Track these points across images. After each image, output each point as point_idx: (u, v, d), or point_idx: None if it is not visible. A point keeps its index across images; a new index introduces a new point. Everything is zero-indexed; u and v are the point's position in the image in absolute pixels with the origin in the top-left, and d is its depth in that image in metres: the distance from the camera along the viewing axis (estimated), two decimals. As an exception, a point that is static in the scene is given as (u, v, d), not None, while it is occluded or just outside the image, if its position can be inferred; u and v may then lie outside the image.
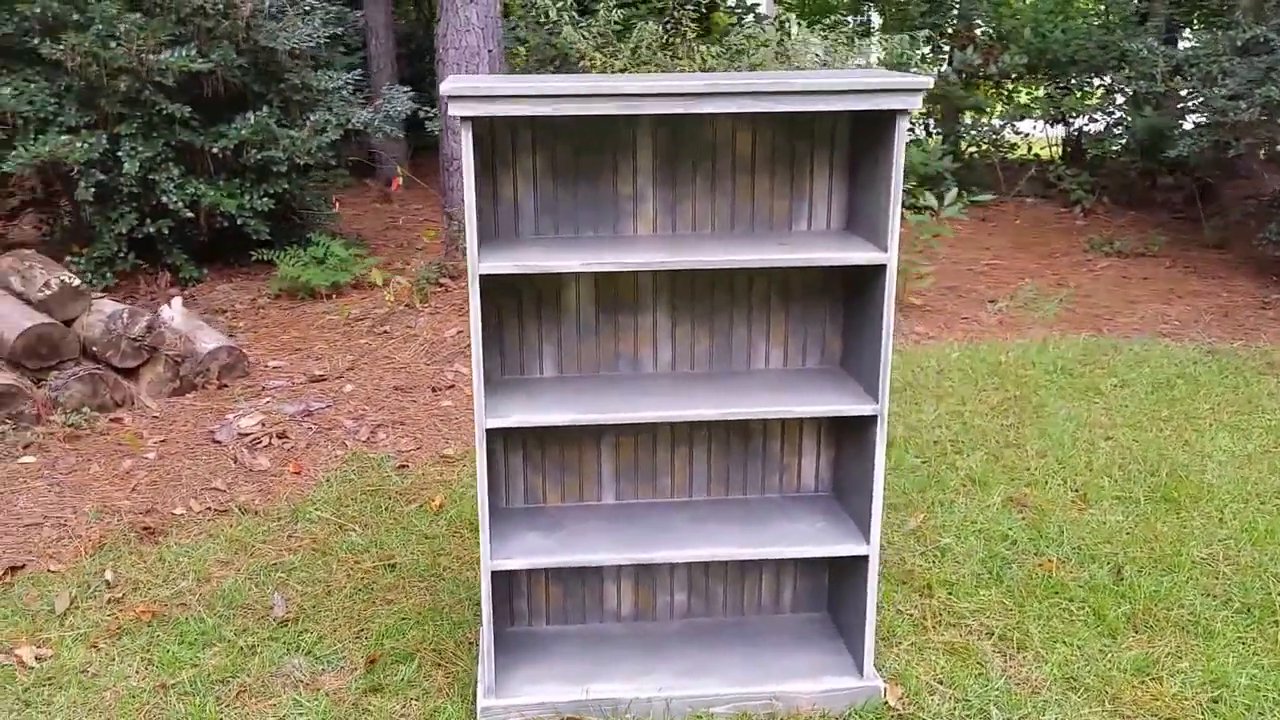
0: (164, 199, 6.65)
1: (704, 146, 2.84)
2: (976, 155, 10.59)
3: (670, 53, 6.23)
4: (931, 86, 2.50)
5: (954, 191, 6.53)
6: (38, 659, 3.09)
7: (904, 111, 2.52)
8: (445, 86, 2.44)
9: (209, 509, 4.04)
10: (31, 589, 3.47)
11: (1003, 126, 10.45)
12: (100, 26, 6.19)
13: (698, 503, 3.08)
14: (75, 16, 6.33)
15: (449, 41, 6.94)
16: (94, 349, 4.79)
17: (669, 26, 6.29)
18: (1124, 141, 10.28)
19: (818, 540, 2.85)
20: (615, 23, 6.71)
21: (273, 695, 2.94)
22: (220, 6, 6.46)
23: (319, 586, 3.49)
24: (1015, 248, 8.88)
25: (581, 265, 2.59)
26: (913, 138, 10.90)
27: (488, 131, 2.80)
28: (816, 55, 6.86)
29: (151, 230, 6.85)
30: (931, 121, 10.76)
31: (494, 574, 3.03)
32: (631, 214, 2.88)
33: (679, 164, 2.85)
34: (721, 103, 2.45)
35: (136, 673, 3.03)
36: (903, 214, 7.02)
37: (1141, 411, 5.02)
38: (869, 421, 2.78)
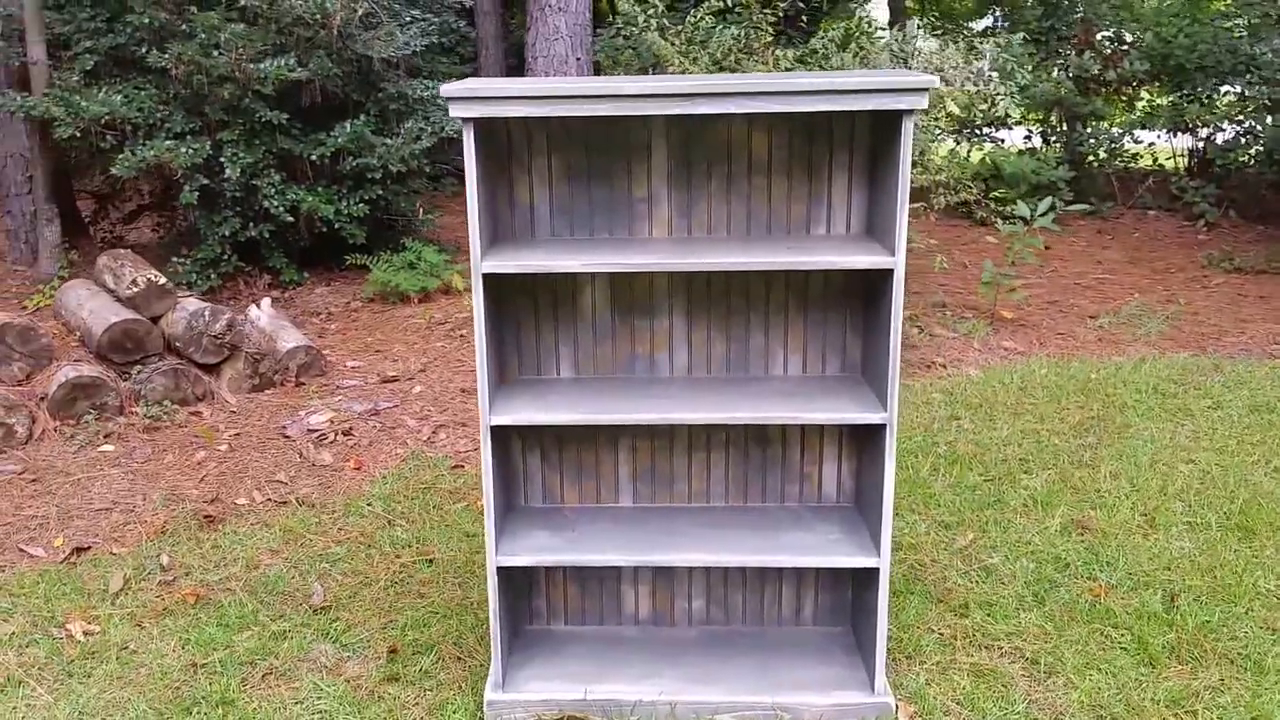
0: (265, 204, 6.91)
1: (718, 148, 2.83)
2: (1095, 165, 10.25)
3: (755, 58, 6.21)
4: (935, 86, 2.44)
5: (1047, 201, 6.33)
6: (85, 634, 3.24)
7: (909, 112, 2.47)
8: (445, 89, 2.48)
9: (269, 500, 4.18)
10: (92, 569, 3.65)
11: (1122, 135, 10.08)
12: (203, 36, 6.47)
13: (714, 509, 3.06)
14: (183, 27, 6.63)
15: (538, 50, 7.05)
16: (177, 345, 5.01)
17: (749, 30, 6.27)
18: (1253, 152, 9.82)
19: (826, 551, 2.80)
20: (707, 28, 6.71)
21: (296, 679, 3.03)
22: (318, 16, 6.68)
23: (358, 578, 3.58)
24: (1129, 262, 8.57)
25: (581, 266, 2.60)
26: (1029, 145, 10.62)
27: (504, 134, 2.84)
28: (913, 59, 6.73)
29: (254, 234, 7.12)
30: (1047, 129, 10.45)
31: (512, 571, 3.06)
32: (646, 216, 2.89)
33: (694, 166, 2.85)
34: (716, 103, 2.43)
35: (173, 651, 3.15)
36: (997, 224, 6.85)
37: (1231, 435, 4.79)
38: (880, 431, 2.72)
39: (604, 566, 3.06)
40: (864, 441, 2.97)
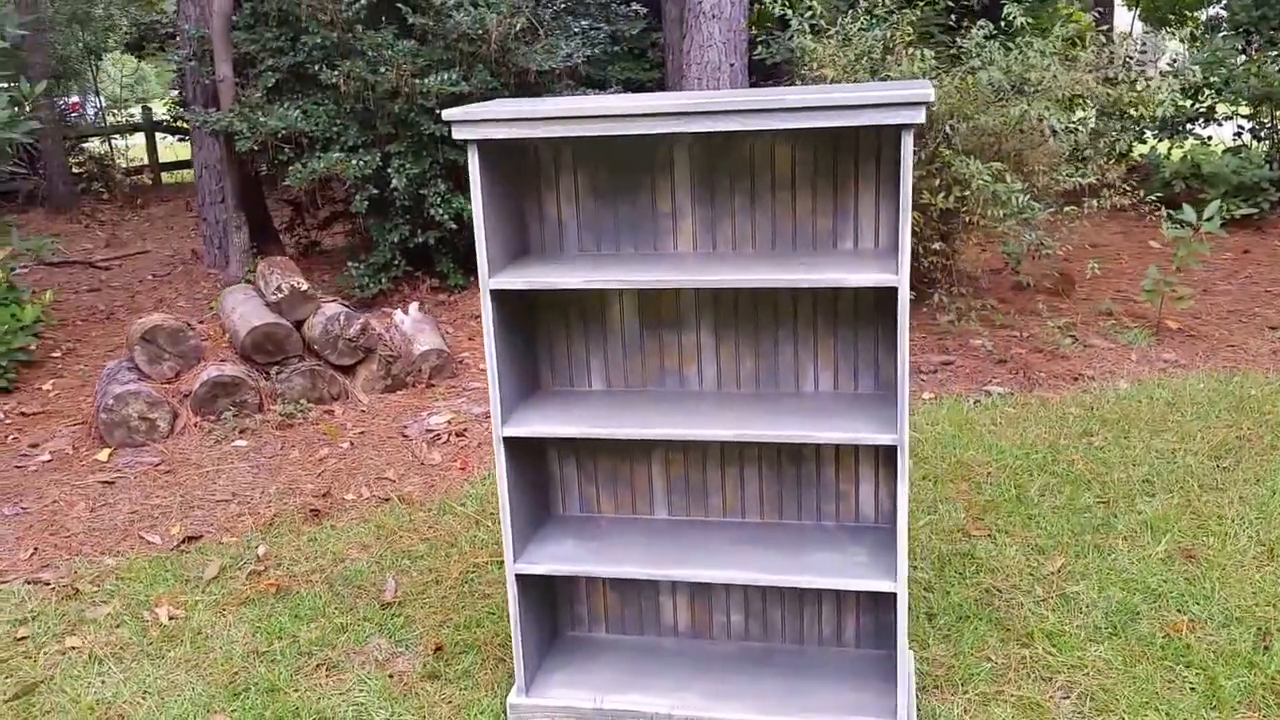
0: (432, 212, 7.24)
1: (741, 163, 2.81)
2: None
3: (895, 58, 6.05)
4: (931, 99, 2.35)
5: (1215, 204, 5.88)
6: (170, 618, 3.52)
7: (908, 126, 2.39)
8: (446, 113, 2.57)
9: (374, 497, 4.40)
10: (197, 557, 3.94)
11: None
12: (371, 54, 6.84)
13: (747, 525, 3.03)
14: (359, 44, 7.02)
15: (691, 58, 7.09)
16: (315, 347, 5.33)
17: (891, 31, 6.11)
18: None
19: (845, 573, 2.73)
20: (859, 29, 6.58)
21: (345, 671, 3.19)
22: (480, 31, 6.94)
23: (431, 575, 3.73)
24: (1338, 268, 7.86)
25: (582, 282, 2.64)
26: (1238, 144, 9.88)
27: (533, 152, 2.91)
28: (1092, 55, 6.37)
29: (422, 240, 7.47)
30: (1257, 125, 9.67)
31: (548, 579, 3.13)
32: (671, 231, 2.89)
33: (717, 181, 2.83)
34: (709, 122, 2.42)
35: (242, 638, 3.38)
36: (1162, 228, 6.42)
37: (1398, 460, 4.35)
38: (894, 452, 2.64)
39: (635, 579, 3.09)
40: (897, 462, 2.88)
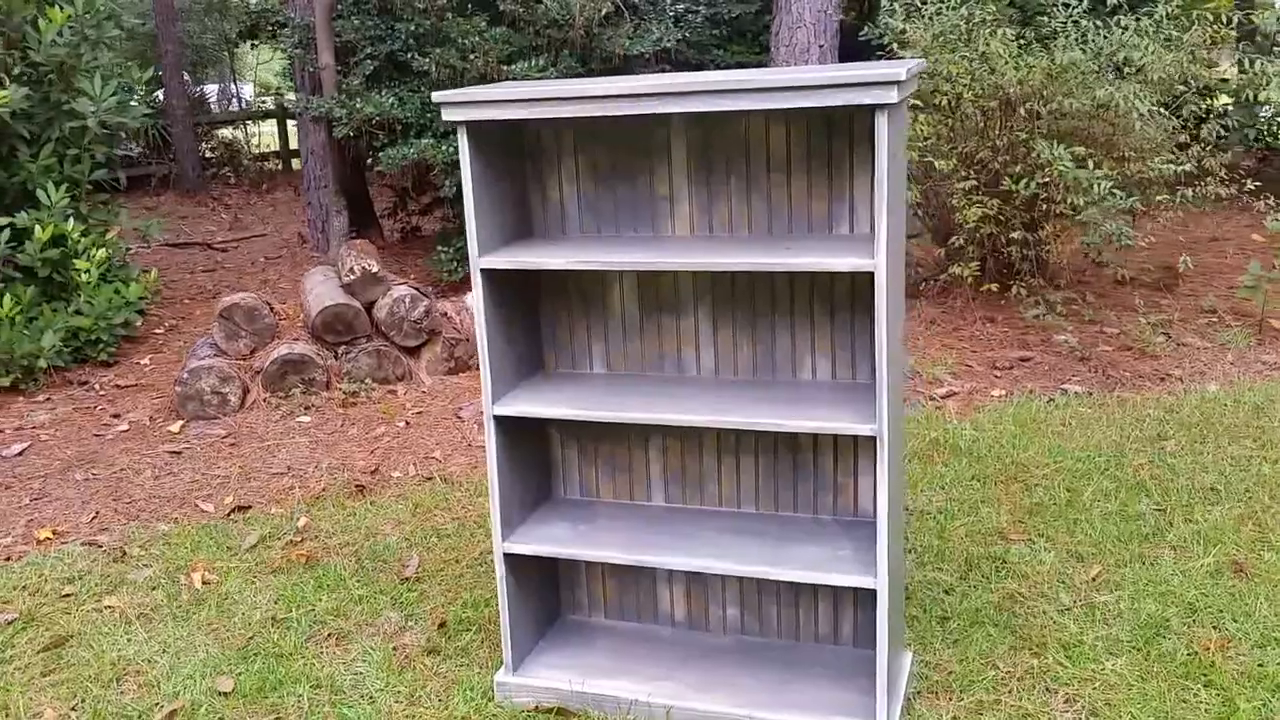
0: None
1: (737, 146, 2.76)
2: None
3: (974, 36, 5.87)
4: (902, 78, 2.26)
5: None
6: (204, 582, 3.65)
7: (881, 107, 2.31)
8: (436, 95, 2.60)
9: (419, 475, 4.48)
10: (243, 525, 4.08)
11: None
12: (460, 41, 6.95)
13: (741, 515, 2.99)
14: (450, 32, 7.13)
15: (780, 39, 7.00)
16: (382, 328, 5.46)
17: (975, 11, 5.91)
18: None
19: (827, 566, 2.67)
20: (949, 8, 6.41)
21: (353, 642, 3.27)
22: (567, 17, 6.98)
23: (453, 553, 3.78)
24: None
25: (564, 263, 2.64)
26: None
27: (535, 135, 2.92)
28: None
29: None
30: None
31: (541, 560, 3.15)
32: (669, 214, 2.87)
33: (713, 164, 2.79)
34: (672, 103, 2.40)
35: (265, 605, 3.49)
36: (1266, 219, 6.06)
37: None
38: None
39: (624, 564, 3.08)
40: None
